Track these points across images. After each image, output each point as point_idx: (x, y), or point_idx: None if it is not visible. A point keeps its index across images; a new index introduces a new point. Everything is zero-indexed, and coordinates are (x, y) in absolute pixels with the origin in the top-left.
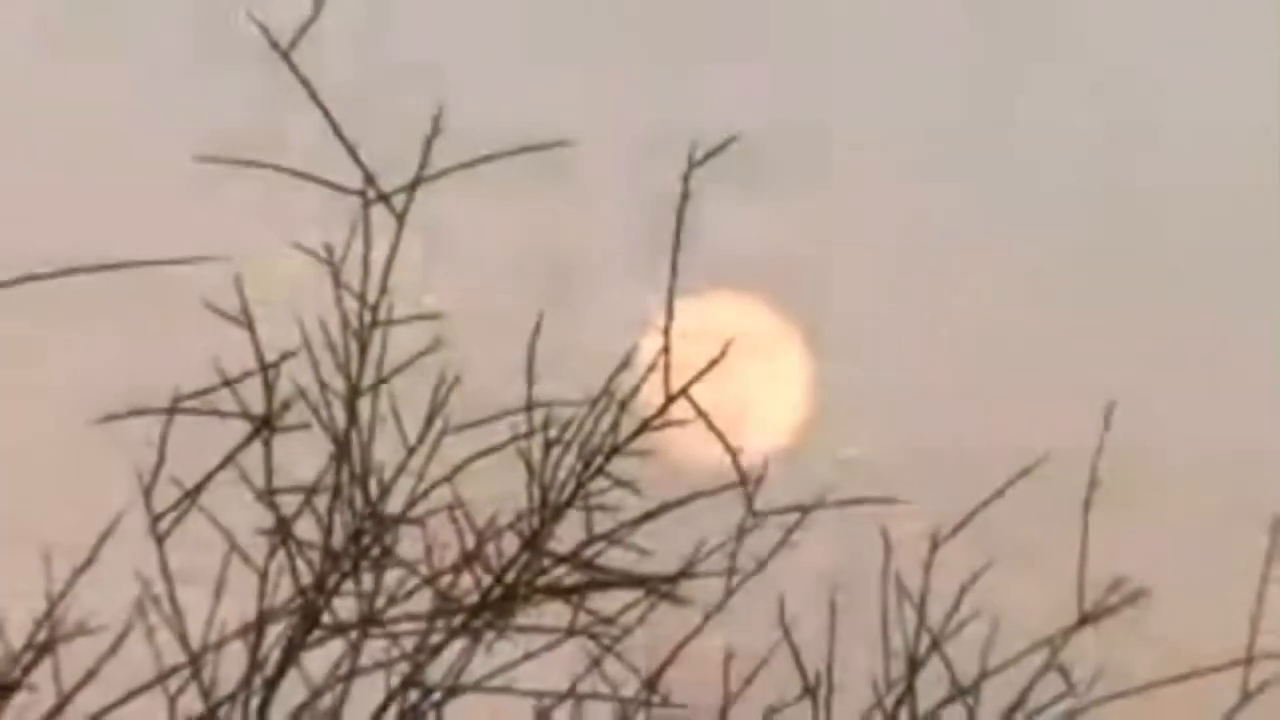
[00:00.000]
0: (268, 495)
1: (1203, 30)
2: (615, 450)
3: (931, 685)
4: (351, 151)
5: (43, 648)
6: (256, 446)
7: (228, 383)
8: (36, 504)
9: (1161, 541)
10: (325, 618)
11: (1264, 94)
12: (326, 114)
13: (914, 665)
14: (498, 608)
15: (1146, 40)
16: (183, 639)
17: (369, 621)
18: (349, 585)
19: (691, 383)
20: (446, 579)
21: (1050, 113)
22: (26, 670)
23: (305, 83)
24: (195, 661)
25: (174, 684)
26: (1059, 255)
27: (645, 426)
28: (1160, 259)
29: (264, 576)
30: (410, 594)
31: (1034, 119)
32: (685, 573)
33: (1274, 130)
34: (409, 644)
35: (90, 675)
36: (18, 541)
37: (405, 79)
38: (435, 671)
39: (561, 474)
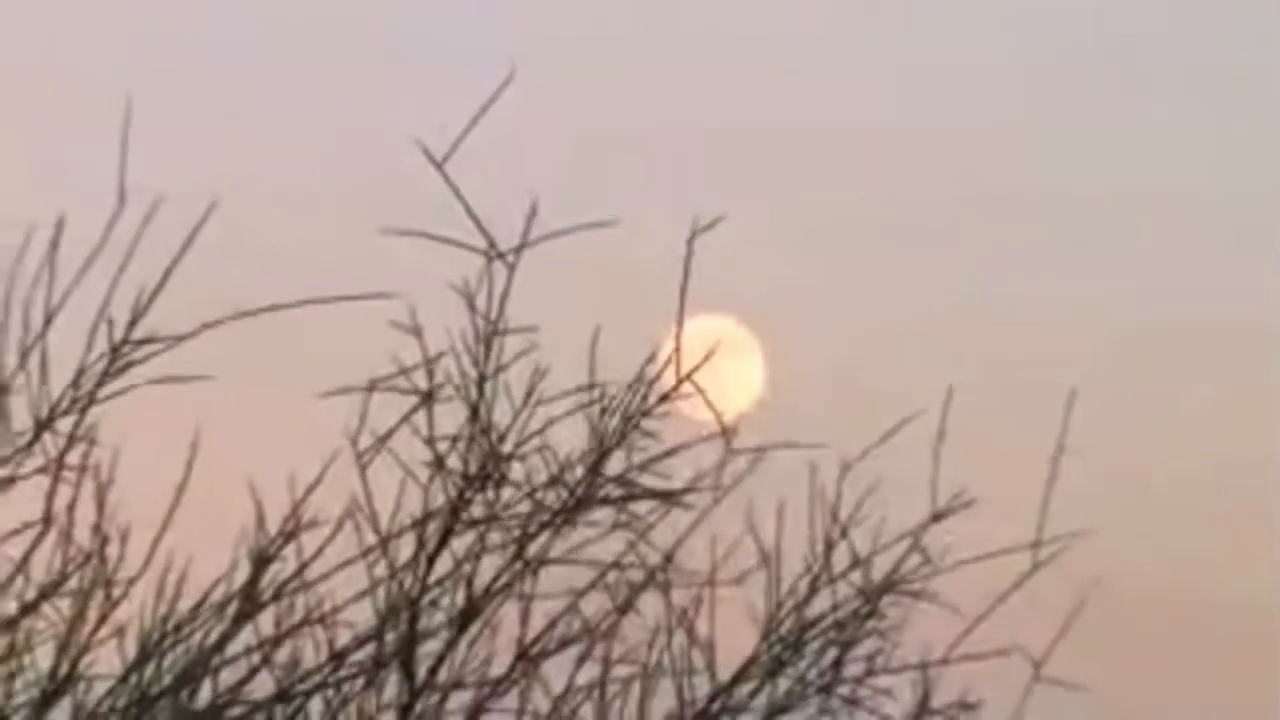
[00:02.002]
0: (429, 441)
1: None
2: (645, 413)
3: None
4: (476, 221)
5: (290, 534)
6: (423, 411)
7: (403, 371)
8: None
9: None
10: (464, 516)
11: None
12: (458, 194)
13: (829, 546)
14: (570, 511)
15: None
16: (376, 529)
17: (491, 519)
18: (479, 497)
19: (693, 371)
20: (539, 494)
21: None
22: (279, 549)
23: (449, 181)
24: (385, 544)
25: (372, 558)
26: None
27: (664, 398)
28: None
29: (426, 490)
30: (517, 503)
31: None
32: (688, 489)
33: None
34: (515, 534)
35: (319, 552)
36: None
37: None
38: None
39: (610, 428)
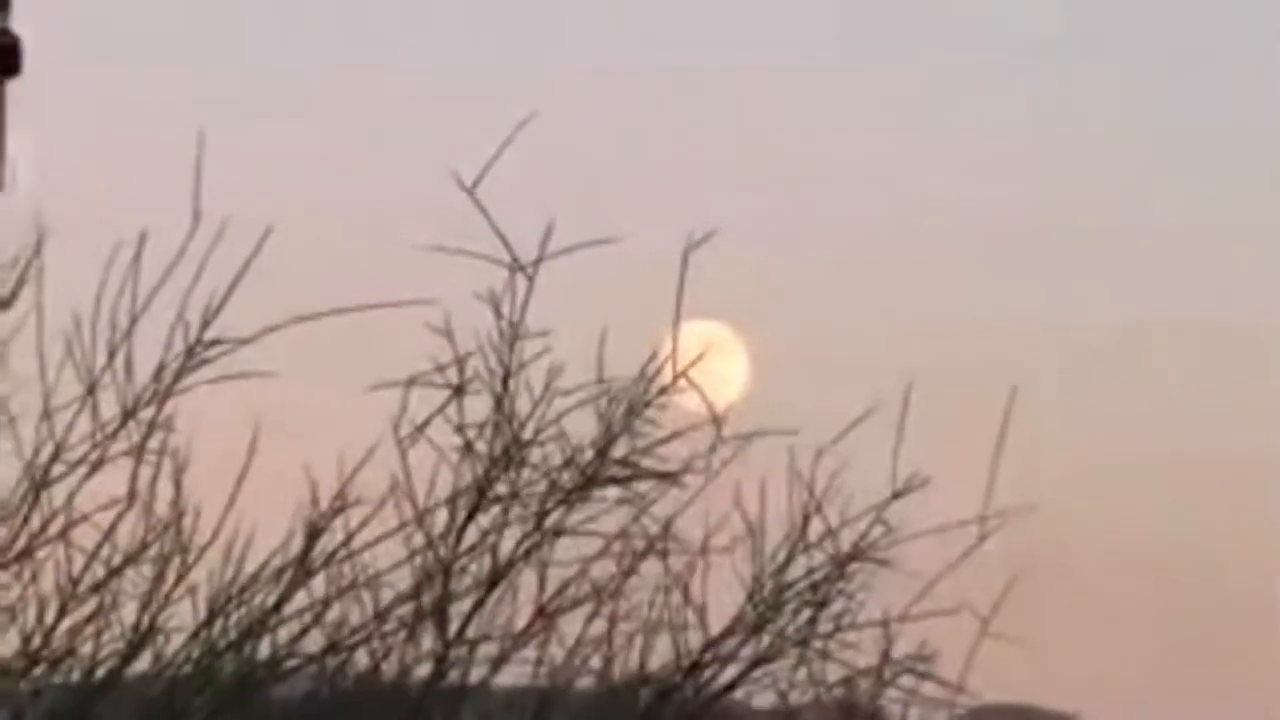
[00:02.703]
0: (460, 428)
1: None
2: (646, 405)
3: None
4: (501, 236)
5: (338, 510)
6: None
7: (437, 369)
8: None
9: None
10: (489, 494)
11: None
12: (486, 215)
13: (805, 520)
14: (581, 489)
15: None
16: (413, 504)
17: (513, 496)
18: (503, 477)
19: (688, 368)
20: (554, 474)
21: None
22: (329, 522)
23: (478, 203)
24: (421, 517)
25: (409, 530)
26: None
27: (662, 392)
28: None
29: (456, 471)
30: (535, 482)
31: None
32: (683, 470)
33: None
34: (533, 509)
35: (364, 524)
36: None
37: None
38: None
39: (616, 417)
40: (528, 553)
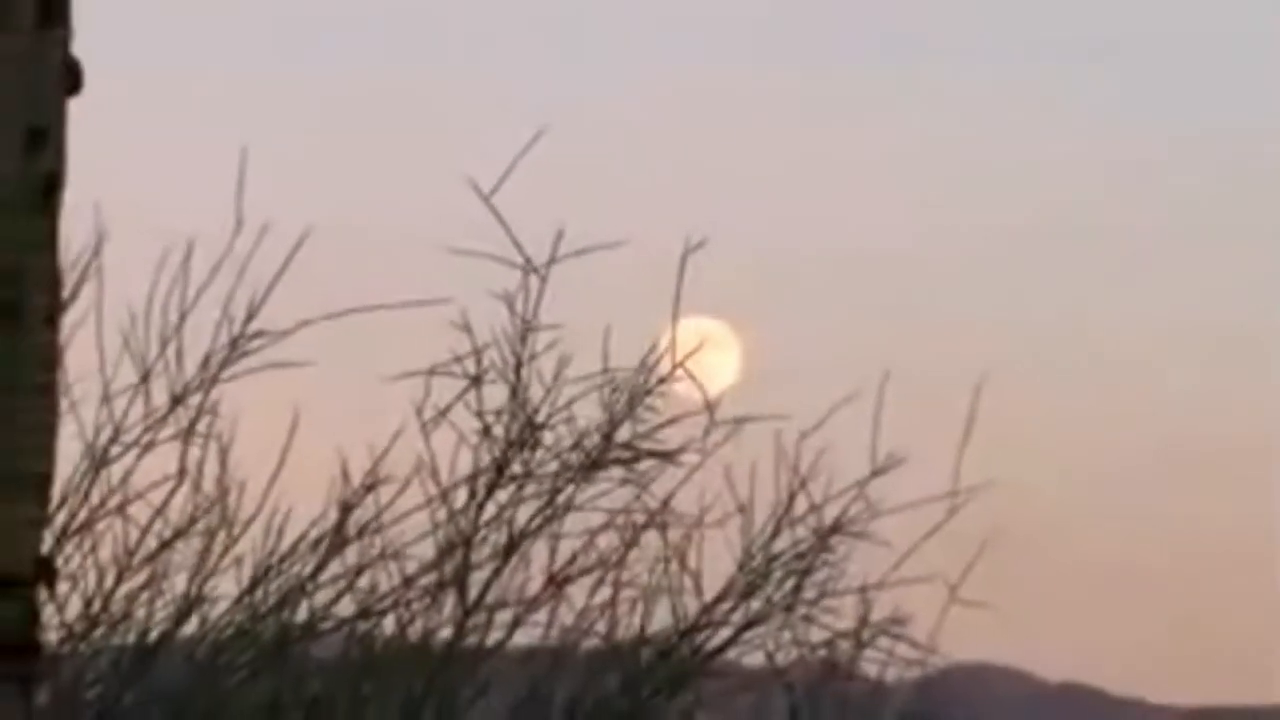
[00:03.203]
0: (479, 414)
1: None
2: (647, 393)
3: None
4: (512, 237)
5: (369, 487)
6: (474, 391)
7: (458, 360)
8: None
9: None
10: (506, 473)
11: None
12: (502, 221)
13: (791, 497)
14: (588, 469)
15: None
16: (437, 482)
17: (526, 475)
18: (517, 458)
19: (685, 359)
20: (564, 455)
21: None
22: (360, 499)
23: (495, 212)
24: (444, 494)
25: (433, 506)
26: None
27: (662, 381)
28: None
29: (476, 453)
30: (547, 463)
31: None
32: (680, 451)
33: None
34: (545, 487)
35: (392, 501)
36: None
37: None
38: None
39: (620, 404)
40: (540, 526)
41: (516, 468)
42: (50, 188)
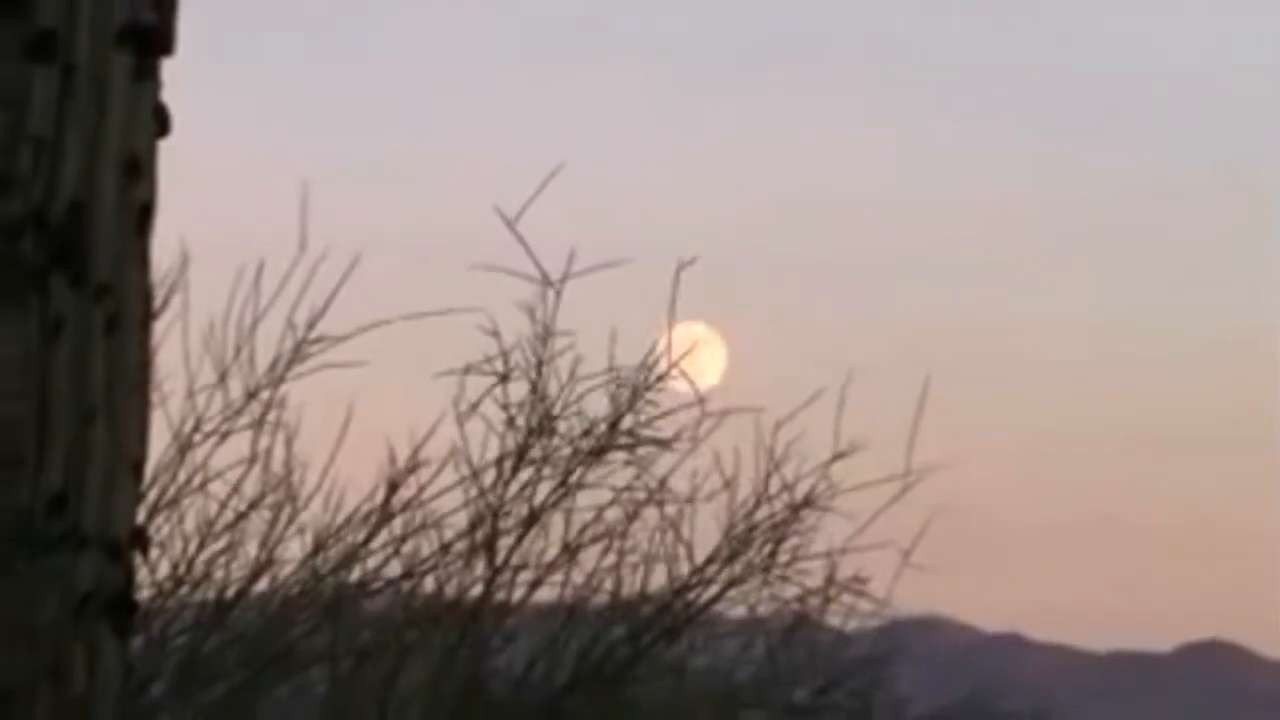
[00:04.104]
0: (504, 406)
1: None
2: (647, 388)
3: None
4: (533, 257)
5: (412, 468)
6: (500, 386)
7: (487, 360)
8: None
9: None
10: (527, 456)
11: None
12: (523, 243)
13: (768, 476)
14: (597, 454)
15: None
16: (469, 464)
17: (544, 459)
18: (537, 444)
19: (679, 360)
20: (576, 441)
21: None
22: (405, 477)
23: (518, 235)
24: (475, 474)
25: (466, 484)
26: None
27: (660, 378)
28: None
29: (502, 439)
30: (561, 448)
31: None
32: (674, 437)
33: None
34: (560, 468)
35: (431, 479)
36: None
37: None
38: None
39: (624, 398)
40: (556, 502)
41: (536, 452)
42: (144, 214)
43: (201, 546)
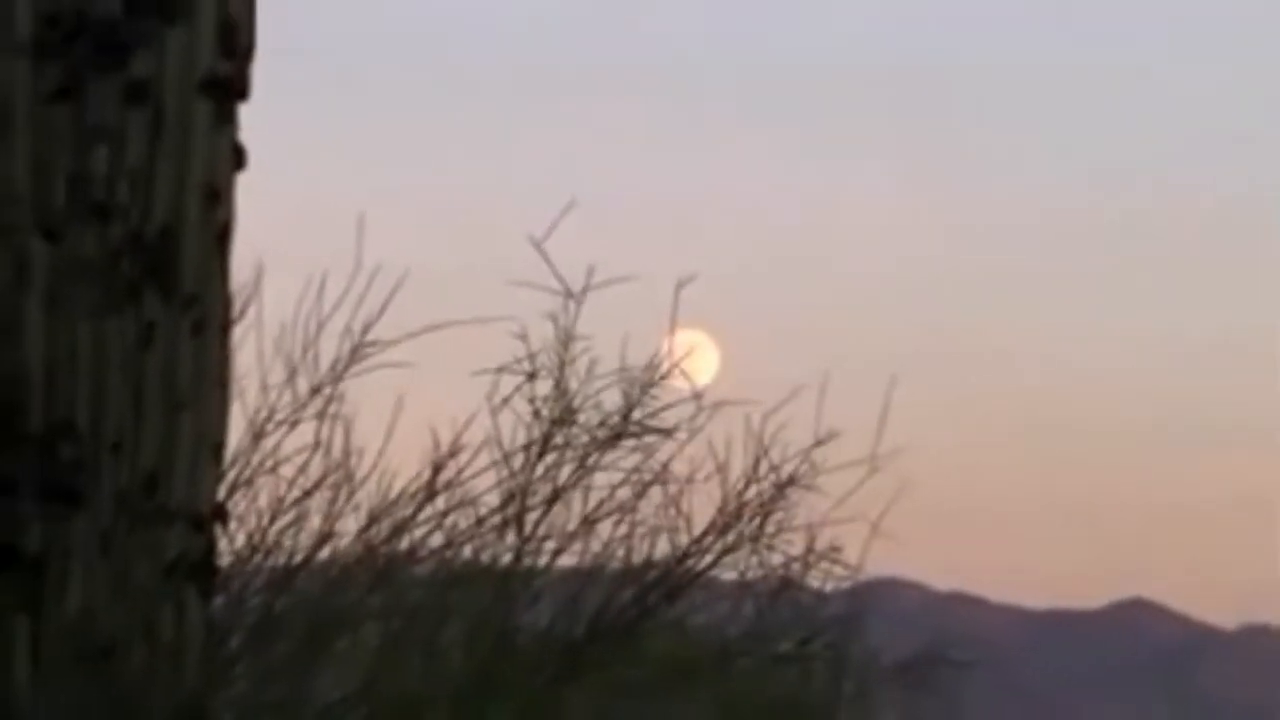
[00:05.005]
0: (532, 400)
1: None
2: (652, 385)
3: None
4: (556, 274)
5: (452, 452)
6: (529, 383)
7: (517, 360)
8: None
9: None
10: (551, 443)
11: None
12: (548, 261)
13: (757, 460)
14: (611, 441)
15: None
16: (501, 450)
17: (566, 445)
18: (560, 433)
19: (679, 361)
20: (593, 431)
21: None
22: (446, 460)
23: (543, 254)
24: (506, 458)
25: (499, 466)
26: None
27: (663, 377)
28: None
29: (529, 429)
30: (580, 436)
31: None
32: (675, 427)
33: None
34: (579, 454)
35: (469, 463)
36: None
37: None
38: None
39: (634, 393)
40: (575, 482)
41: (558, 440)
42: (223, 235)
43: (272, 520)
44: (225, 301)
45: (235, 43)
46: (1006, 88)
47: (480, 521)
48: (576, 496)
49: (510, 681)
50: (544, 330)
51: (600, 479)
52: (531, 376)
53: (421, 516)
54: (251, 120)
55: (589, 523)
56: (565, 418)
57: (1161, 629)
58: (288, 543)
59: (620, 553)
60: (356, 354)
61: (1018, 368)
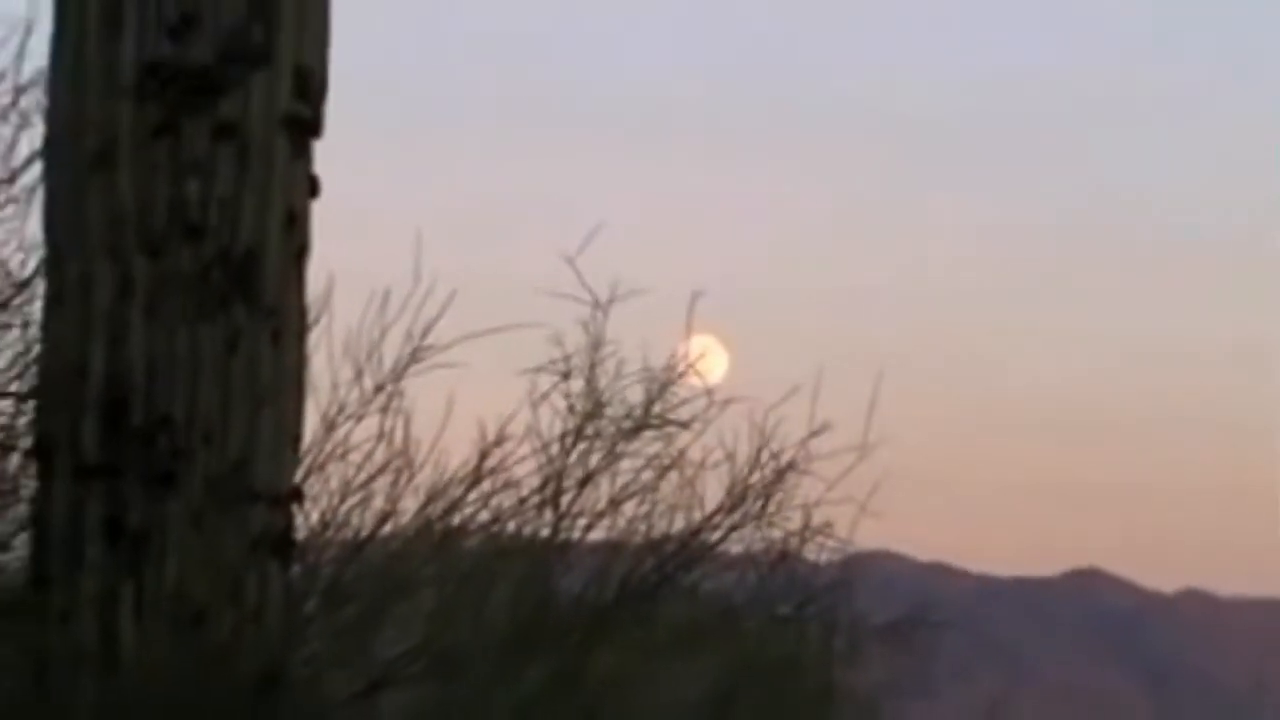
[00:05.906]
0: (566, 396)
1: None
2: (670, 383)
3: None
4: (587, 286)
5: (497, 441)
6: (564, 381)
7: (553, 362)
8: None
9: None
10: (583, 433)
11: None
12: (580, 276)
13: (759, 449)
14: (634, 431)
15: None
16: (540, 439)
17: (596, 435)
18: (590, 424)
19: (693, 363)
20: (619, 422)
21: None
22: (491, 448)
23: (576, 270)
24: (545, 447)
25: (539, 453)
26: None
27: (679, 376)
28: None
29: (564, 421)
30: (608, 428)
31: None
32: (690, 420)
33: None
34: (608, 442)
35: (512, 451)
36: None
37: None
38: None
39: (654, 390)
40: (605, 467)
41: (589, 430)
42: (300, 254)
43: (342, 500)
44: (301, 311)
45: (310, 86)
46: (1004, 94)
47: (522, 501)
48: (605, 479)
49: (548, 640)
50: (576, 336)
51: (625, 464)
52: (566, 376)
53: (471, 497)
54: (324, 152)
55: (615, 502)
56: (595, 411)
57: (1115, 597)
58: (355, 520)
59: (642, 528)
60: (415, 356)
61: (996, 367)
